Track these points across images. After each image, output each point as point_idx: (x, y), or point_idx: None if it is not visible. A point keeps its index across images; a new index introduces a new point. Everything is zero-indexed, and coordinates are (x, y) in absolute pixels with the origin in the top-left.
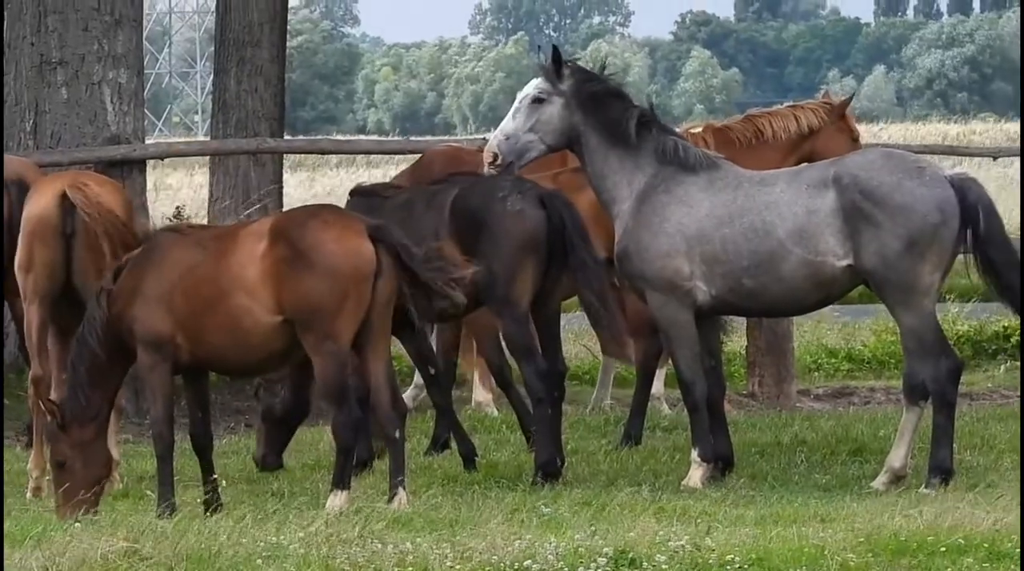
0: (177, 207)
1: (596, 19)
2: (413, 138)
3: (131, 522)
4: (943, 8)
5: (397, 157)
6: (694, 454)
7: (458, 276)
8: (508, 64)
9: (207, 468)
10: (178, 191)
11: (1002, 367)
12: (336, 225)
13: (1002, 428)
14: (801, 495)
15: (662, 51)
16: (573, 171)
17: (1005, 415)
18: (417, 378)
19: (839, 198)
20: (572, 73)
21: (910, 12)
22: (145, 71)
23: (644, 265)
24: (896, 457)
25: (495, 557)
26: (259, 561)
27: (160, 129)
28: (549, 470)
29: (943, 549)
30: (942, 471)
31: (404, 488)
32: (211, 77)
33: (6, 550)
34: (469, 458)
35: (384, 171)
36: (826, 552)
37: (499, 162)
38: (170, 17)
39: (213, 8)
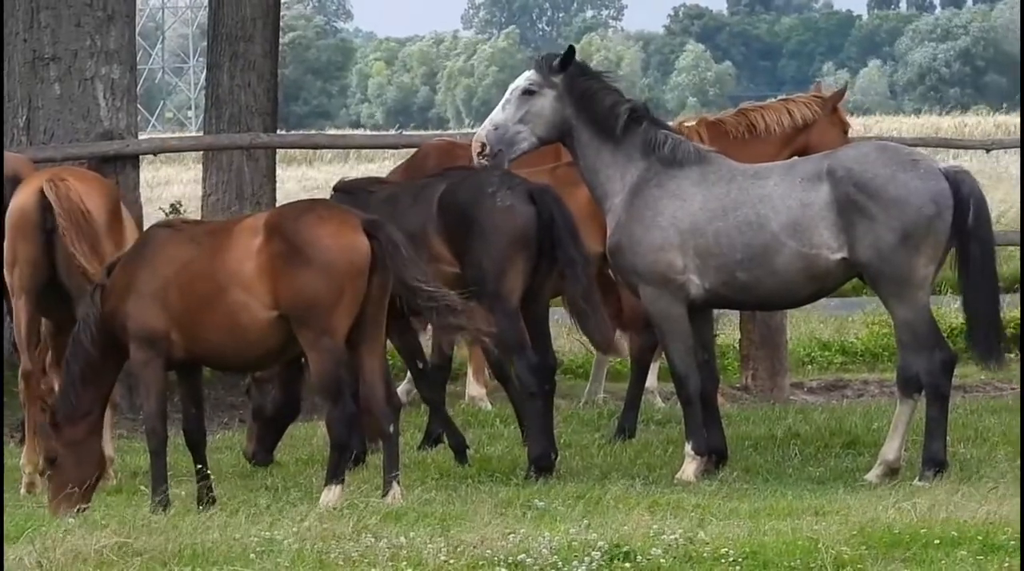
0: (172, 204)
1: (589, 13)
2: (407, 132)
3: (125, 517)
4: (936, 1)
5: (390, 151)
6: (688, 447)
7: (454, 323)
8: (501, 58)
9: (200, 463)
10: (171, 186)
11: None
12: (331, 220)
13: (996, 421)
14: (795, 488)
15: (655, 44)
16: (569, 165)
17: (999, 408)
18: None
19: (833, 191)
20: (565, 66)
21: (903, 5)
22: (138, 67)
23: (637, 259)
24: (890, 450)
25: (489, 551)
26: (252, 556)
27: (153, 125)
28: (543, 464)
29: (937, 541)
30: (936, 463)
31: (398, 483)
32: (204, 72)
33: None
34: (460, 451)
35: (378, 165)
36: (820, 545)
37: (487, 152)
38: (163, 12)
39: (206, 3)
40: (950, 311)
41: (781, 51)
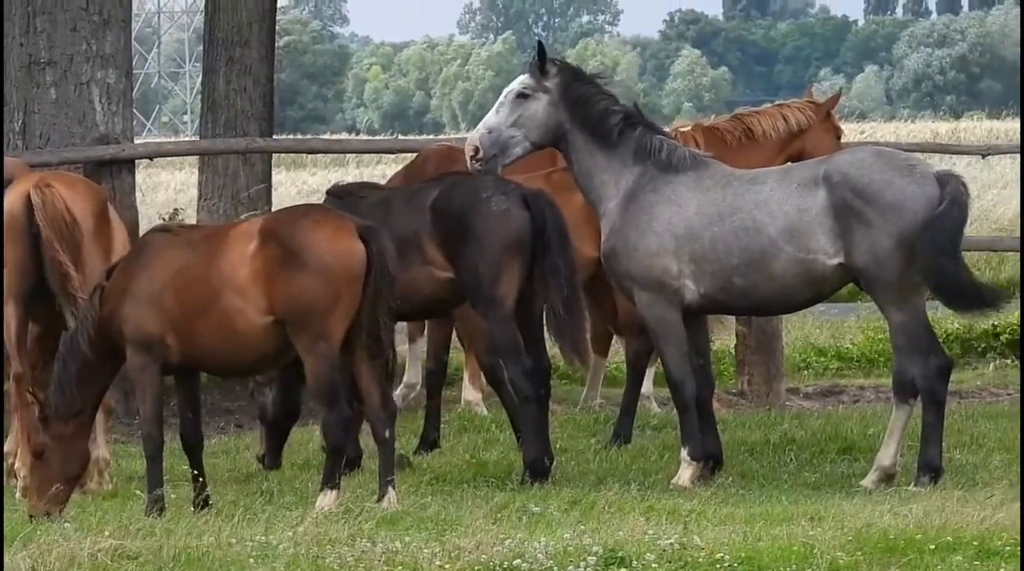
0: (174, 210)
1: (585, 18)
2: (402, 137)
3: (120, 521)
4: (932, 7)
5: (386, 156)
6: (683, 453)
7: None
8: (497, 63)
9: (196, 468)
10: (167, 191)
11: (991, 365)
12: (327, 225)
13: (991, 426)
14: (790, 494)
15: (651, 50)
16: (564, 170)
17: (994, 413)
18: (407, 377)
19: (830, 196)
20: (559, 71)
21: (899, 11)
22: (134, 71)
23: (632, 264)
24: (885, 455)
25: (484, 556)
26: (249, 560)
27: (149, 129)
28: (537, 468)
29: (932, 547)
30: (931, 469)
31: (393, 487)
32: (200, 77)
33: None
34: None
35: (373, 170)
36: (815, 550)
37: (480, 156)
38: (159, 17)
39: (202, 8)
40: (946, 317)
41: (777, 56)
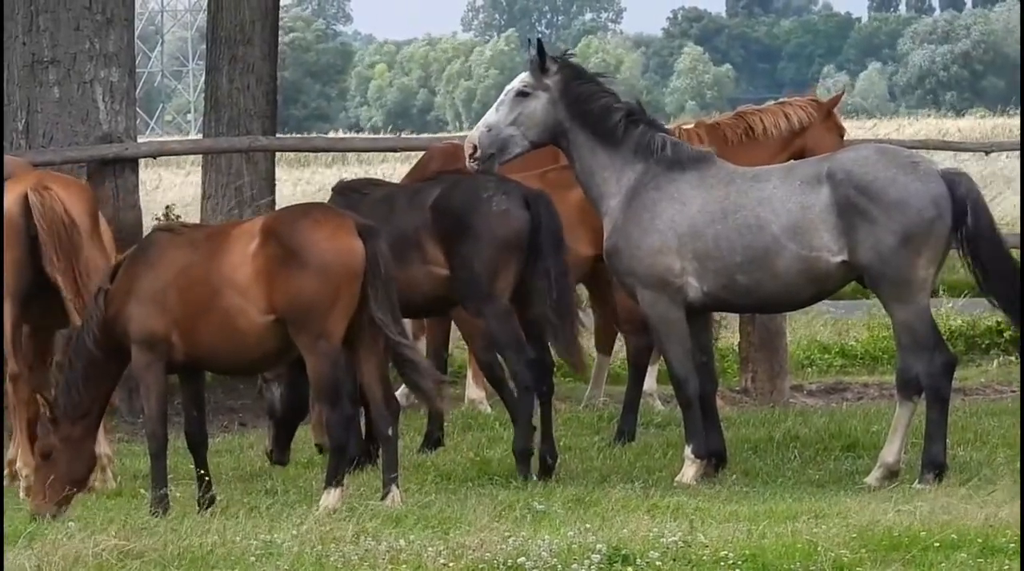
0: (167, 207)
1: (588, 16)
2: (405, 135)
3: (125, 520)
4: (935, 3)
5: (389, 154)
6: (687, 450)
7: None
8: (501, 61)
9: (201, 466)
10: (171, 190)
11: (995, 362)
12: (327, 224)
13: (995, 423)
14: (794, 491)
15: (654, 47)
16: (561, 169)
17: (998, 410)
18: None
19: (833, 194)
20: (560, 69)
21: (902, 7)
22: (137, 70)
23: (634, 262)
24: (889, 452)
25: (488, 554)
26: (252, 559)
27: (152, 128)
28: (524, 458)
29: (936, 544)
30: (935, 466)
31: (397, 485)
32: (203, 76)
33: None
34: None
35: (377, 169)
36: (819, 548)
37: (478, 155)
38: (162, 16)
39: (205, 6)
40: (950, 313)
41: (780, 54)
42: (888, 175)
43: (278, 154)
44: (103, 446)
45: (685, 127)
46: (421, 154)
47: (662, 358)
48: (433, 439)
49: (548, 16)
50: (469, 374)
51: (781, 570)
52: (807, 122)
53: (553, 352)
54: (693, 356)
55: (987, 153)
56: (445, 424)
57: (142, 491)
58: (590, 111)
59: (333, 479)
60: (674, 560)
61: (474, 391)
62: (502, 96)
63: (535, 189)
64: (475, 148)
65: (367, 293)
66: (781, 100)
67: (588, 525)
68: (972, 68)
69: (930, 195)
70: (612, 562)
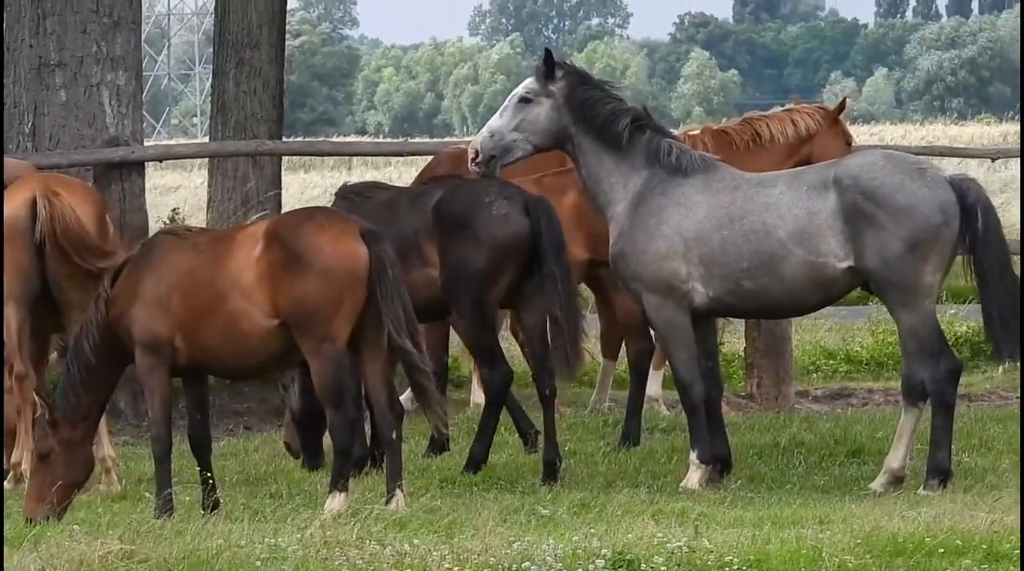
0: (173, 210)
1: (595, 21)
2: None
3: (129, 524)
4: (942, 10)
5: (395, 159)
6: (692, 456)
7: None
8: (507, 65)
9: (205, 470)
10: (177, 193)
11: (1000, 368)
12: (331, 228)
13: (1000, 429)
14: (799, 496)
15: (660, 52)
16: (555, 174)
17: (1004, 416)
18: None
19: (840, 199)
20: (564, 75)
21: (909, 14)
22: (144, 73)
23: (640, 267)
24: (895, 458)
25: (493, 559)
26: (257, 563)
27: (159, 131)
28: (473, 467)
29: (941, 550)
30: (940, 472)
31: (402, 489)
32: (210, 79)
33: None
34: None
35: (383, 173)
36: (824, 553)
37: (479, 159)
38: (168, 19)
39: (212, 10)
40: (955, 320)
41: (787, 59)
42: (895, 181)
43: (284, 158)
44: (107, 448)
45: (691, 133)
46: (427, 158)
47: (667, 363)
48: (438, 443)
49: (555, 21)
50: (474, 379)
51: None
52: (814, 129)
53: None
54: (699, 361)
55: (993, 159)
56: (451, 428)
57: (147, 494)
58: (596, 117)
59: (338, 483)
60: (679, 565)
61: (479, 396)
62: (506, 102)
63: (536, 195)
64: (477, 153)
65: (371, 297)
66: (788, 107)
67: (593, 530)
68: (979, 74)
69: (937, 201)
70: (617, 567)
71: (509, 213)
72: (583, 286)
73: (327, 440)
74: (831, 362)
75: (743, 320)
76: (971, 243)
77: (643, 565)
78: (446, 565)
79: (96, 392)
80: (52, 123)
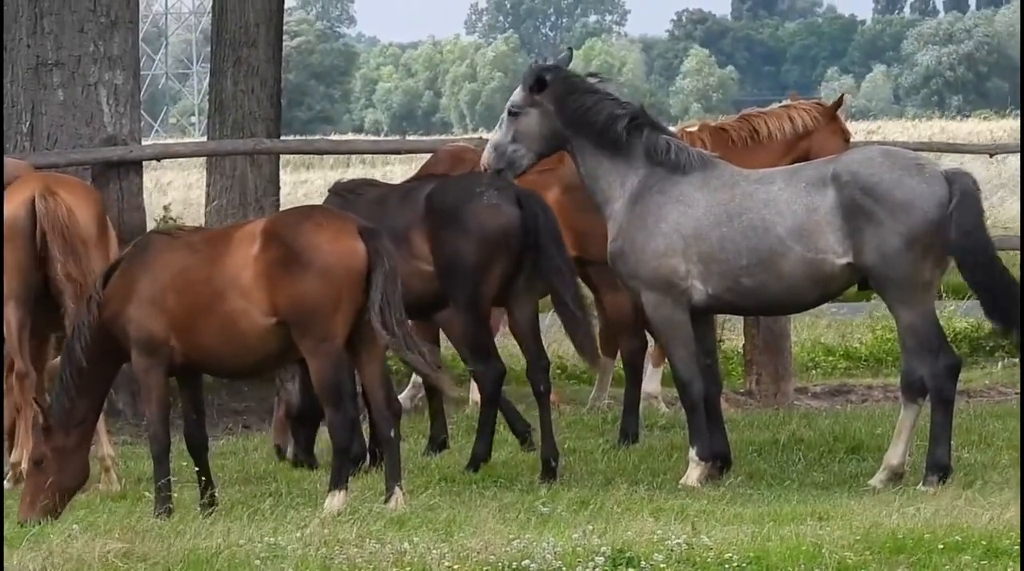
0: (165, 207)
1: (592, 18)
2: (409, 138)
3: (128, 523)
4: (940, 6)
5: (393, 157)
6: (691, 453)
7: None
8: (504, 62)
9: (201, 468)
10: (174, 192)
11: (1000, 364)
12: (329, 226)
13: (1000, 425)
14: (799, 493)
15: (658, 49)
16: (539, 173)
17: (1003, 412)
18: (415, 378)
19: (839, 195)
20: (552, 82)
21: (907, 10)
22: (141, 72)
23: (639, 265)
24: (894, 455)
25: (492, 557)
26: (257, 562)
27: (157, 130)
28: (476, 465)
29: (941, 546)
30: (940, 468)
31: (401, 487)
32: (207, 78)
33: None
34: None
35: (381, 171)
36: (824, 550)
37: (490, 173)
38: (166, 18)
39: (209, 9)
40: (954, 316)
41: (785, 56)
42: (893, 177)
43: (282, 156)
44: (106, 448)
45: (689, 130)
46: (425, 156)
47: (666, 360)
48: (438, 442)
49: (552, 18)
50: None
51: None
52: (811, 125)
53: (563, 351)
54: (697, 358)
55: (992, 155)
56: (450, 427)
57: (146, 494)
58: (592, 123)
59: (337, 482)
60: (678, 562)
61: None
62: (503, 114)
63: (528, 190)
64: (486, 169)
65: (370, 295)
66: (785, 103)
67: (592, 527)
68: (977, 70)
69: (935, 197)
70: (616, 564)
71: (499, 204)
72: None
73: (326, 439)
74: (830, 359)
75: (742, 317)
76: (952, 230)
77: (643, 562)
78: (446, 563)
79: (90, 395)
80: (50, 122)
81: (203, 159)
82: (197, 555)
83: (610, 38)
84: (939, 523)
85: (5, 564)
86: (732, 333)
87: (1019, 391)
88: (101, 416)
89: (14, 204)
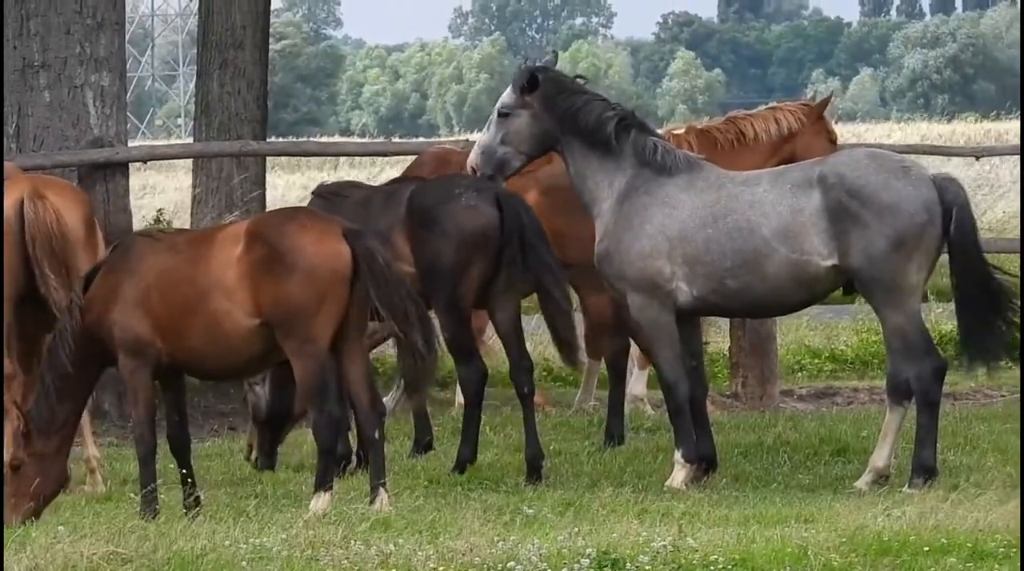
0: (159, 210)
1: (579, 20)
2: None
3: (114, 524)
4: (926, 8)
5: (380, 159)
6: (677, 455)
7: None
8: (491, 65)
9: (185, 470)
10: (161, 194)
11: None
12: (313, 228)
13: (985, 428)
14: (784, 495)
15: (644, 52)
16: (517, 176)
17: (988, 415)
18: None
19: (824, 197)
20: (541, 84)
21: (893, 12)
22: (128, 74)
23: (625, 266)
24: (879, 457)
25: (478, 559)
26: (243, 563)
27: (143, 132)
28: (464, 467)
29: (926, 549)
30: (925, 471)
31: (385, 488)
32: (194, 80)
33: None
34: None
35: (367, 172)
36: (809, 552)
37: (479, 176)
38: (152, 20)
39: (196, 11)
40: (940, 318)
41: (771, 58)
42: (880, 179)
43: (268, 158)
44: (92, 449)
45: (675, 132)
46: (411, 158)
47: (653, 363)
48: (423, 443)
49: (539, 20)
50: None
51: None
52: (796, 127)
53: (549, 353)
54: (683, 361)
55: (978, 158)
56: (436, 429)
57: (132, 495)
58: (584, 123)
59: (322, 483)
60: (664, 564)
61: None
62: (492, 115)
63: (509, 191)
64: (474, 170)
65: (354, 296)
66: (772, 105)
67: (578, 529)
68: (963, 72)
69: (922, 200)
70: (602, 566)
71: (478, 205)
72: None
73: (311, 441)
74: (816, 361)
75: (728, 319)
76: (947, 244)
77: (628, 564)
78: (431, 565)
79: (72, 400)
80: (36, 124)
81: (189, 161)
82: (183, 557)
83: (596, 40)
84: (924, 525)
85: None
86: (718, 335)
87: (1004, 394)
88: (87, 417)
89: (5, 206)
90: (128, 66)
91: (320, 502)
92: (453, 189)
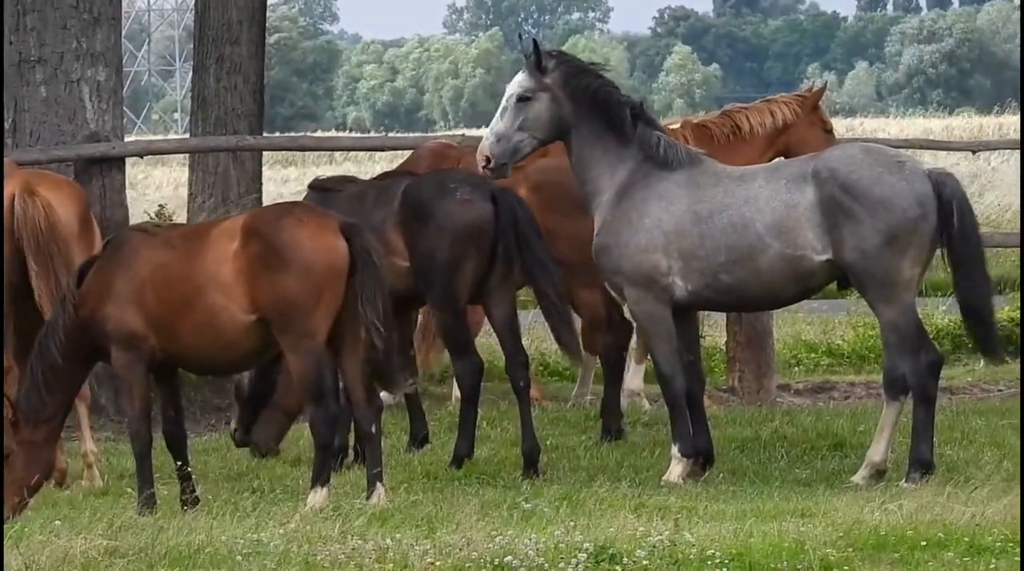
0: (160, 206)
1: (575, 15)
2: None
3: (111, 519)
4: (922, 3)
5: (378, 154)
6: (674, 450)
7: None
8: (487, 60)
9: (181, 463)
10: (158, 189)
11: (982, 361)
12: (310, 223)
13: (982, 422)
14: (781, 490)
15: (641, 47)
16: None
17: (985, 409)
18: None
19: (818, 192)
20: (557, 65)
21: (890, 7)
22: (124, 69)
23: (622, 260)
24: (876, 451)
25: (475, 553)
26: (239, 558)
27: (140, 127)
28: (461, 462)
29: (923, 543)
30: (922, 465)
31: (382, 483)
32: (190, 75)
33: None
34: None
35: (364, 167)
36: (806, 547)
37: (492, 165)
38: (149, 15)
39: (192, 6)
40: (936, 313)
41: (767, 53)
42: (873, 174)
43: (265, 153)
44: (89, 444)
45: (672, 126)
46: (408, 153)
47: (649, 357)
48: (419, 438)
49: (535, 15)
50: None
51: (768, 569)
52: (792, 118)
53: (544, 347)
54: (680, 355)
55: (974, 152)
56: (433, 423)
57: (128, 490)
58: (600, 105)
59: (319, 478)
60: (661, 559)
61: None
62: (504, 102)
63: (503, 186)
64: (488, 159)
65: (351, 291)
66: (768, 98)
67: (574, 524)
68: (959, 67)
69: (915, 194)
70: (599, 561)
71: (472, 199)
72: None
73: (307, 435)
74: (813, 356)
75: (725, 313)
76: (947, 239)
77: (625, 559)
78: (428, 559)
79: (62, 392)
80: (32, 119)
81: (185, 156)
82: (179, 551)
83: (593, 35)
84: (921, 520)
85: None
86: (715, 330)
87: (1000, 388)
88: (85, 412)
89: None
90: (124, 61)
91: (317, 497)
92: (447, 184)
